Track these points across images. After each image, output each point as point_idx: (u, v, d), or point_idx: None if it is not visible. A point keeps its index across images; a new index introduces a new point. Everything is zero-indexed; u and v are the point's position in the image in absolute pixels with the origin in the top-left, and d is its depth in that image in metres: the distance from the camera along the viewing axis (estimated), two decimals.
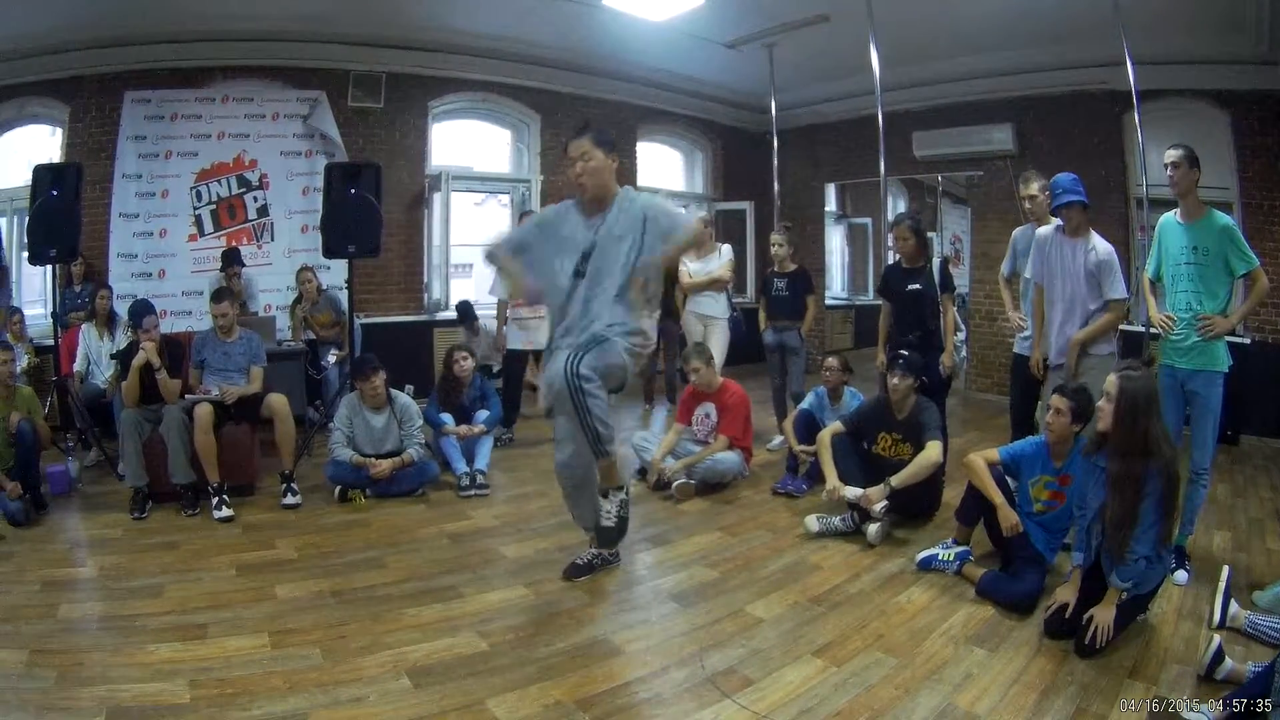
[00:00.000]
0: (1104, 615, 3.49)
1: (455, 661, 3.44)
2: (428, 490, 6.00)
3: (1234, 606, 3.77)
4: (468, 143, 10.49)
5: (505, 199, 10.72)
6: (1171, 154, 4.41)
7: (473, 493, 5.93)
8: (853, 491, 4.99)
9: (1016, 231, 5.78)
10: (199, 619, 3.81)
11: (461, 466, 6.11)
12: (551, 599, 4.14)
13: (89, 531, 5.18)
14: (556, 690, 3.20)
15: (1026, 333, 5.41)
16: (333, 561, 4.64)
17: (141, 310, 5.82)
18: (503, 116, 10.55)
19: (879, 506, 4.90)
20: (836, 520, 5.06)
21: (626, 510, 4.26)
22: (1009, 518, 4.20)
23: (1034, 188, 5.43)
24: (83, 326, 7.00)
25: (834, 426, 5.51)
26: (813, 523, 5.10)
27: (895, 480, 4.94)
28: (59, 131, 8.47)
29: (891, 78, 7.78)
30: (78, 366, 6.84)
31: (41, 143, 8.62)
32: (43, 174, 6.27)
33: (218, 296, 5.98)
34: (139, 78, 8.34)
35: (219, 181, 8.67)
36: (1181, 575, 4.31)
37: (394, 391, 6.10)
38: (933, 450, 5.03)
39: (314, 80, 8.97)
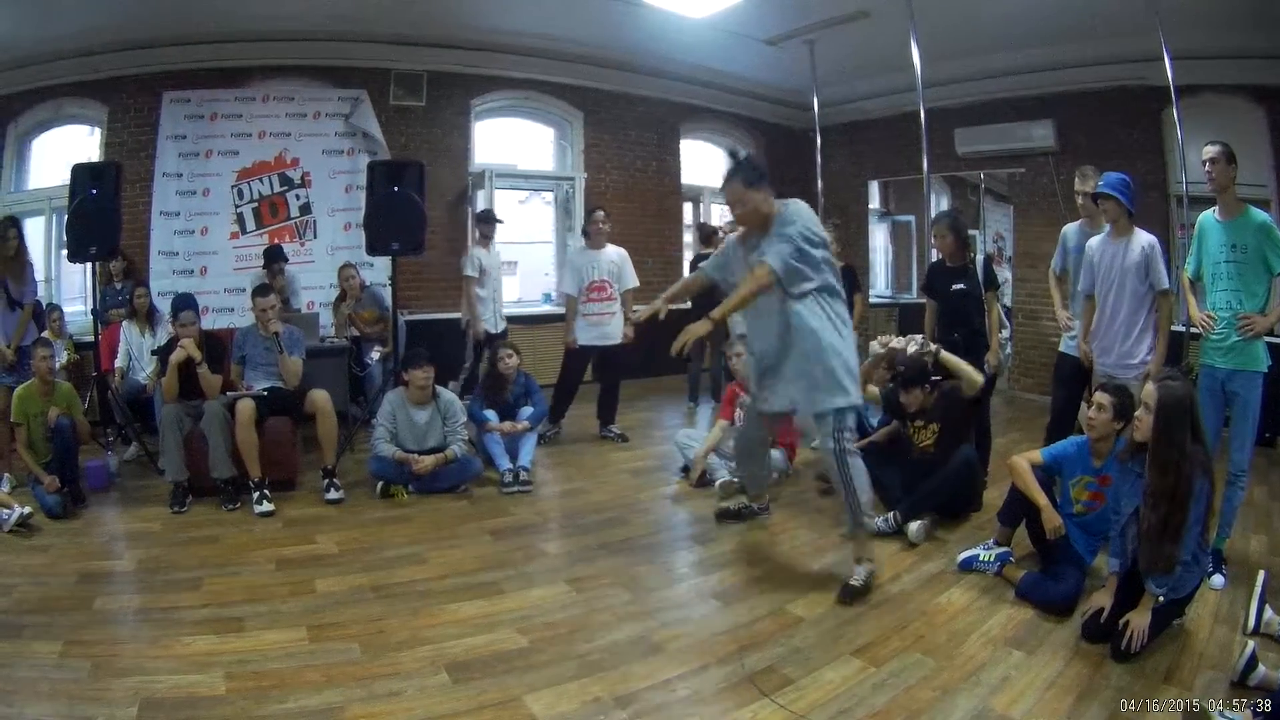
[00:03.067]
0: (1139, 620, 3.45)
1: (494, 657, 3.45)
2: (470, 486, 6.02)
3: (1269, 612, 3.70)
4: (510, 140, 10.51)
5: (549, 196, 10.75)
6: (1209, 150, 4.38)
7: (515, 489, 5.92)
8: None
9: (1067, 228, 5.67)
10: (237, 612, 3.85)
11: (505, 463, 6.09)
12: (592, 596, 4.14)
13: (127, 525, 5.25)
14: (595, 687, 3.20)
15: (1074, 332, 5.35)
16: (373, 556, 4.66)
17: (181, 306, 5.86)
18: (545, 114, 10.56)
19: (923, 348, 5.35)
20: (878, 520, 5.00)
21: (872, 579, 4.21)
22: (1052, 520, 4.14)
23: (1090, 185, 5.29)
24: (124, 323, 7.04)
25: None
26: None
27: (943, 356, 5.33)
28: (97, 131, 8.57)
29: (932, 74, 7.73)
30: (119, 362, 6.88)
31: (80, 143, 8.73)
32: (81, 173, 6.29)
33: (259, 292, 6.01)
34: (178, 78, 8.44)
35: (260, 180, 8.75)
36: (1218, 580, 4.23)
37: (438, 388, 6.11)
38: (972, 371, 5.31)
39: (355, 79, 9.04)
